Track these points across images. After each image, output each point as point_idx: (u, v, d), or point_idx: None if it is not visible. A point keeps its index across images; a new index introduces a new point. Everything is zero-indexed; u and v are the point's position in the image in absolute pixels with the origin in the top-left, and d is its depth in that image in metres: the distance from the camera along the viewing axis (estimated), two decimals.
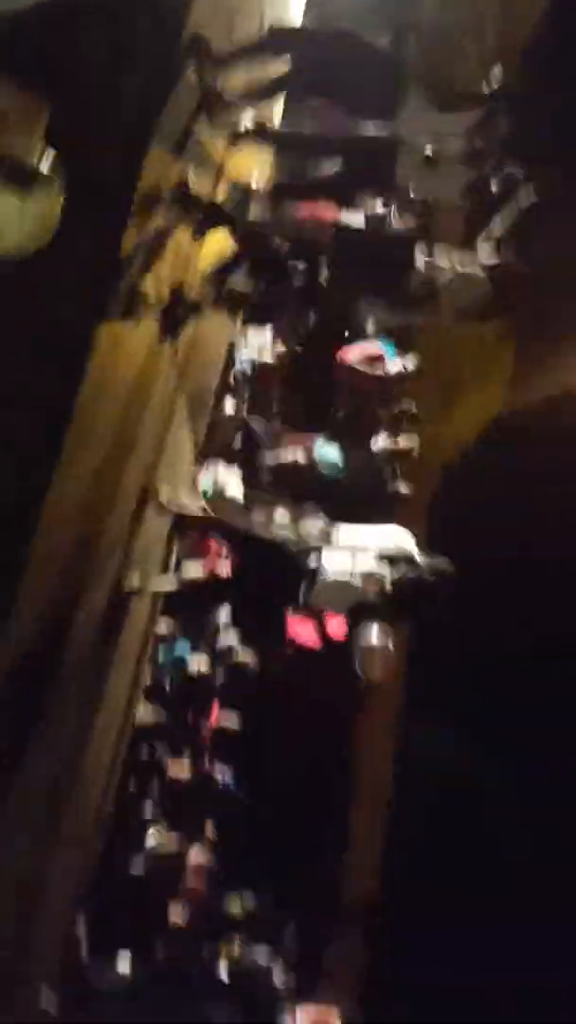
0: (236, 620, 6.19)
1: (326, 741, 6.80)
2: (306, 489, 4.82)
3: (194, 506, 5.01)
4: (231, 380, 5.71)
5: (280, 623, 6.10)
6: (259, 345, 5.52)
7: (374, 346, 5.08)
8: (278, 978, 5.20)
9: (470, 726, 8.79)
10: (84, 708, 4.20)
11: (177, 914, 5.45)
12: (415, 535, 4.23)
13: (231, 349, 5.81)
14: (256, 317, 5.94)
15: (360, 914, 8.70)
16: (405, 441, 4.96)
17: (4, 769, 3.37)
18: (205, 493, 4.72)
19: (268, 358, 5.44)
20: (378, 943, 8.53)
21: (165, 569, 5.51)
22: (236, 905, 5.97)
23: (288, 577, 4.47)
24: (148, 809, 5.39)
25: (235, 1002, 4.88)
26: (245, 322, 5.77)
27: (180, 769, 5.63)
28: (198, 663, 5.94)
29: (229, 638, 6.08)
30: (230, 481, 5.04)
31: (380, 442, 4.83)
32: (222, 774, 5.85)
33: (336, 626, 6.07)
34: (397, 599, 4.04)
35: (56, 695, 3.75)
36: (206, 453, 5.69)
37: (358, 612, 4.14)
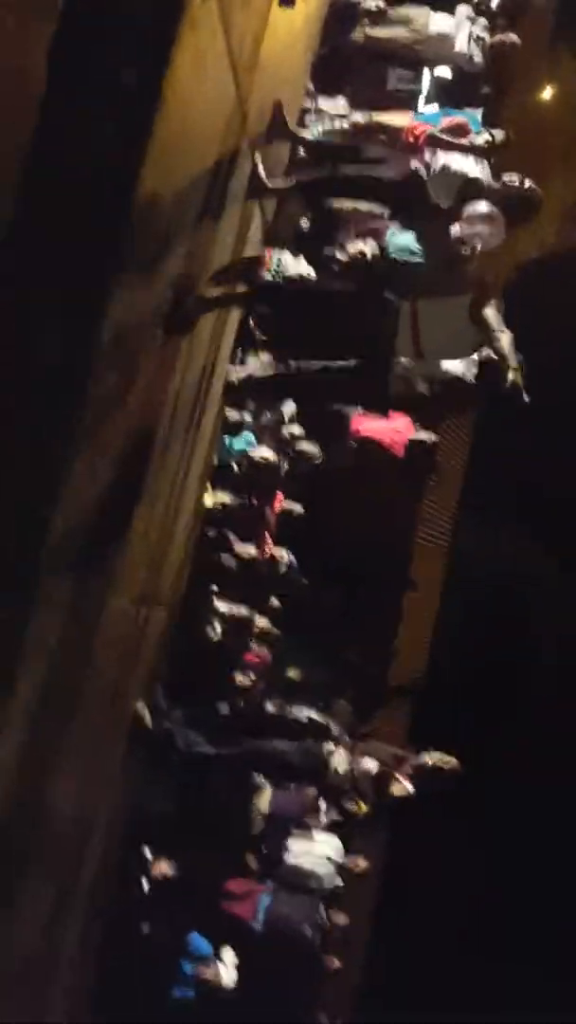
0: (301, 414, 6.35)
1: (384, 531, 7.10)
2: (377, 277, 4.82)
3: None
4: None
5: (345, 419, 6.25)
6: (334, 110, 5.29)
7: (459, 116, 4.89)
8: (333, 728, 5.75)
9: (526, 525, 9.02)
10: (172, 480, 4.49)
11: (242, 676, 6.01)
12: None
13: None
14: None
15: (405, 694, 9.36)
16: None
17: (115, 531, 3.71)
18: (277, 272, 4.74)
19: (345, 124, 5.23)
20: (418, 725, 9.23)
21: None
22: (295, 672, 6.52)
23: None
24: (218, 582, 5.80)
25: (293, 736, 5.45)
26: (318, 92, 5.53)
27: (245, 549, 5.98)
28: (262, 453, 6.14)
29: (293, 429, 6.26)
30: (299, 266, 5.03)
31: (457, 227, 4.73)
32: (285, 555, 6.20)
33: (401, 425, 6.21)
34: None
35: (151, 465, 4.03)
36: (271, 239, 5.62)
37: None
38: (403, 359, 4.55)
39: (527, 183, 4.73)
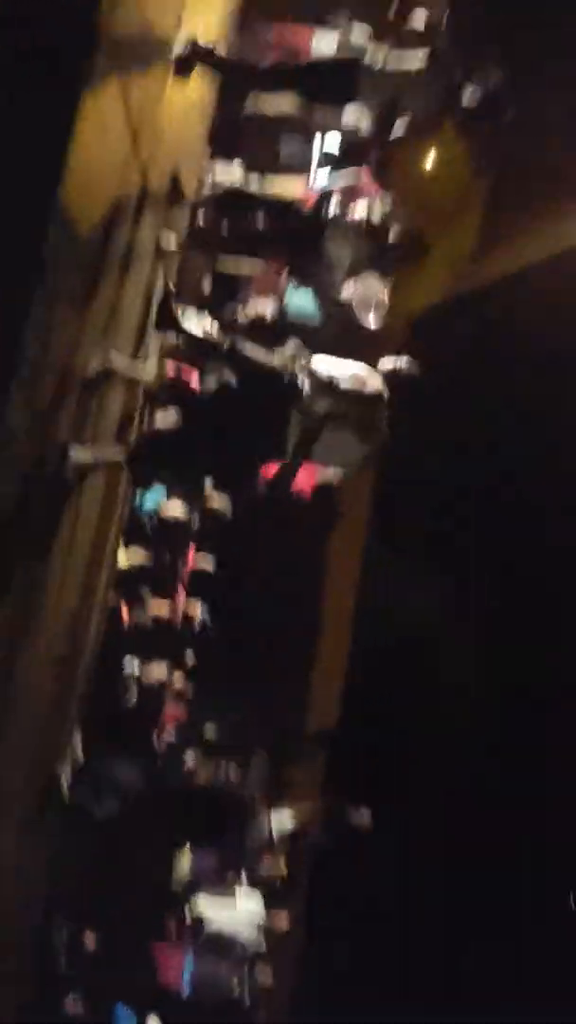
0: (211, 468, 6.39)
1: (294, 581, 7.17)
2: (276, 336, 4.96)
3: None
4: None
5: (253, 470, 6.32)
6: (229, 176, 5.46)
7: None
8: (249, 790, 5.72)
9: (431, 570, 9.21)
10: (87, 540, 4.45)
11: (159, 737, 5.93)
12: None
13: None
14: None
15: (322, 742, 9.36)
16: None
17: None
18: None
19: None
20: (337, 771, 9.23)
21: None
22: (211, 731, 6.47)
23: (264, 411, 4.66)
24: (132, 642, 5.74)
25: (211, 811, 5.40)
26: (213, 156, 5.69)
27: (160, 607, 5.95)
28: (173, 509, 6.15)
29: (204, 485, 6.29)
30: (203, 323, 5.13)
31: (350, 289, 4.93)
32: (199, 611, 6.20)
33: (307, 474, 6.33)
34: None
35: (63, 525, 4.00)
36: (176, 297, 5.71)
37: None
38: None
39: (413, 230, 4.99)
